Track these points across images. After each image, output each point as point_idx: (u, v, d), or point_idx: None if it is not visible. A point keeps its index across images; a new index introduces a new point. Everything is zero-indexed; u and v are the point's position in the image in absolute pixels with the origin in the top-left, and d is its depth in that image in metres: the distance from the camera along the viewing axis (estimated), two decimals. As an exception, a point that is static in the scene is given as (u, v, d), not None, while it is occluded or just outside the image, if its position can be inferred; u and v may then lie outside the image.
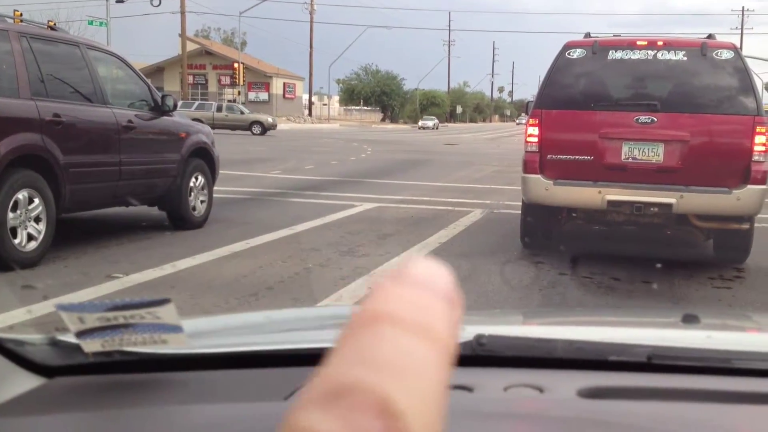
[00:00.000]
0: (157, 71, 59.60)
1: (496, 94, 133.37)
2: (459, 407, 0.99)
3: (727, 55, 6.58)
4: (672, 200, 6.43)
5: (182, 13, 46.49)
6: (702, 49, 6.60)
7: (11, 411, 1.01)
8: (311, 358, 1.19)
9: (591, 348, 1.17)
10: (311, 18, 62.18)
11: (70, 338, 1.09)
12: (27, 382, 1.10)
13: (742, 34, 66.43)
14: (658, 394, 1.04)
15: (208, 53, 63.00)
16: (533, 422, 0.94)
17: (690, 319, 1.43)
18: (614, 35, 7.46)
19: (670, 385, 1.06)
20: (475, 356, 1.14)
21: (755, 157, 6.39)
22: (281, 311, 2.67)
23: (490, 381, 1.07)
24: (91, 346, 1.03)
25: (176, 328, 1.03)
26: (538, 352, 1.16)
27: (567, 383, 1.05)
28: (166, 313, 1.01)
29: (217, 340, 1.39)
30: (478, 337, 1.15)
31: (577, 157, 6.66)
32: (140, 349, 1.05)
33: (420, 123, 66.97)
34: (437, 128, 65.67)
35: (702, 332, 1.40)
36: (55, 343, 1.18)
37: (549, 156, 6.73)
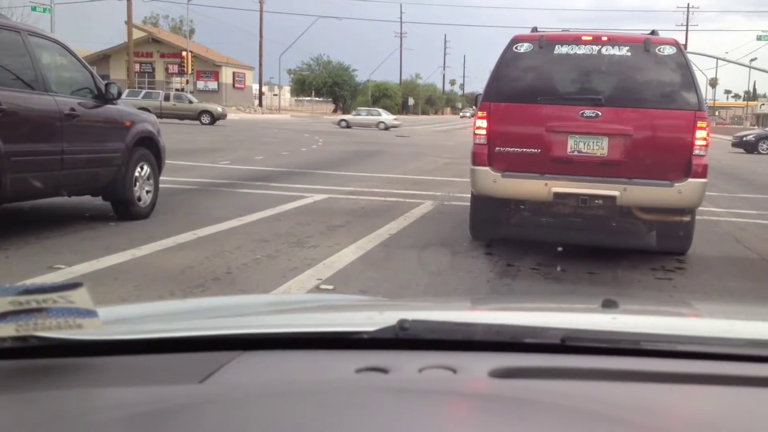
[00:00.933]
0: (102, 59, 58.38)
1: (447, 87, 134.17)
2: (372, 387, 1.01)
3: (669, 51, 6.72)
4: (616, 193, 6.55)
5: (129, -1, 45.59)
6: (645, 45, 6.73)
7: None
8: (230, 343, 1.19)
9: (508, 331, 1.20)
10: (261, 7, 61.58)
11: None
12: None
13: (687, 30, 67.90)
14: (569, 373, 1.07)
15: (156, 41, 61.91)
16: (443, 399, 0.96)
17: (609, 304, 1.48)
18: (563, 30, 7.56)
19: (582, 366, 1.09)
20: (397, 340, 1.16)
21: (696, 151, 6.54)
22: (206, 298, 2.66)
23: (407, 363, 1.09)
24: (5, 330, 1.02)
25: (91, 313, 1.03)
26: (457, 335, 1.19)
27: (481, 364, 1.07)
28: (80, 298, 1.01)
29: (137, 326, 1.38)
30: (401, 322, 1.16)
31: (524, 149, 6.74)
32: (55, 334, 1.04)
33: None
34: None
35: (617, 316, 1.45)
36: None
37: (497, 148, 6.80)
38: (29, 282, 5.21)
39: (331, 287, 5.55)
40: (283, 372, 1.11)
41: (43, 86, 7.01)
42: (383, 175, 14.43)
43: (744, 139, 33.34)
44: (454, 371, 1.05)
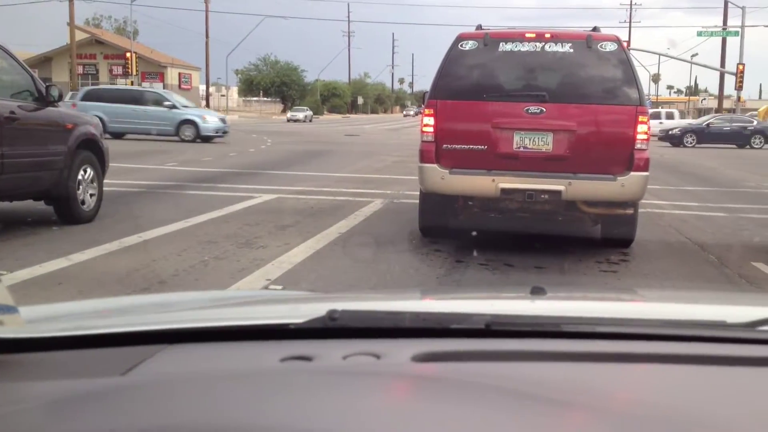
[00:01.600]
0: (44, 61, 57.00)
1: (396, 86, 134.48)
2: (295, 375, 1.02)
3: (611, 47, 6.85)
4: (561, 187, 6.65)
5: (71, 0, 44.62)
6: (587, 42, 6.85)
7: None
8: (154, 337, 1.18)
9: (434, 318, 1.23)
10: (207, 6, 60.83)
11: None
12: None
13: (630, 27, 69.19)
14: (492, 355, 1.10)
15: (99, 42, 60.68)
16: (366, 383, 0.97)
17: (537, 291, 1.52)
18: (508, 28, 7.64)
19: (505, 348, 1.12)
20: (327, 330, 1.17)
21: (638, 146, 6.68)
22: (136, 296, 2.64)
23: (332, 351, 1.10)
24: None
25: (11, 309, 1.01)
26: (385, 323, 1.21)
27: (404, 350, 1.09)
28: None
29: (63, 324, 1.37)
30: (331, 312, 1.18)
31: (471, 146, 6.79)
32: None
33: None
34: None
35: (543, 302, 1.49)
36: None
37: (444, 146, 6.84)
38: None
39: (280, 287, 5.52)
40: (207, 363, 1.12)
41: (-21, 89, 6.82)
42: (332, 174, 14.40)
43: (669, 132, 33.97)
44: (378, 357, 1.07)
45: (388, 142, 28.84)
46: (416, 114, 68.16)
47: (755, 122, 34.79)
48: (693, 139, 32.97)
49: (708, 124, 34.11)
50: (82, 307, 1.74)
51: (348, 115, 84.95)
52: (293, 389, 0.92)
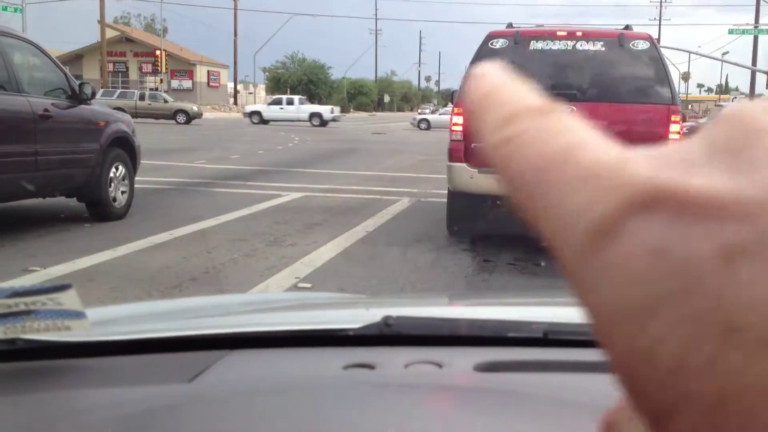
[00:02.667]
0: (75, 59, 57.74)
1: (423, 84, 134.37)
2: (360, 384, 1.03)
3: (643, 45, 6.79)
4: (591, 187, 6.60)
5: (101, -2, 45.14)
6: (619, 40, 6.79)
7: None
8: (218, 342, 1.19)
9: (491, 326, 1.22)
10: (235, 4, 61.24)
11: None
12: None
13: (660, 25, 68.54)
14: (552, 366, 1.09)
15: (129, 40, 61.38)
16: (429, 393, 0.97)
17: None
18: (537, 26, 7.60)
19: (565, 358, 1.11)
20: (382, 336, 1.17)
21: (670, 145, 6.62)
22: (191, 299, 2.64)
23: (393, 359, 1.10)
24: None
25: (79, 315, 1.02)
26: (441, 330, 1.20)
27: (465, 359, 1.09)
28: (69, 299, 1.00)
29: (125, 327, 1.38)
30: (386, 318, 1.17)
31: (500, 145, 6.77)
32: (43, 336, 1.04)
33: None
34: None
35: None
36: None
37: (473, 144, 6.82)
38: (7, 284, 5.16)
39: (309, 285, 5.54)
40: (270, 370, 1.12)
41: (15, 87, 6.93)
42: (359, 173, 14.42)
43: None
44: (440, 366, 1.07)
45: (415, 141, 28.82)
46: (432, 113, 66.14)
47: None
48: None
49: None
50: (140, 309, 1.76)
51: (374, 113, 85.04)
52: (358, 397, 0.92)
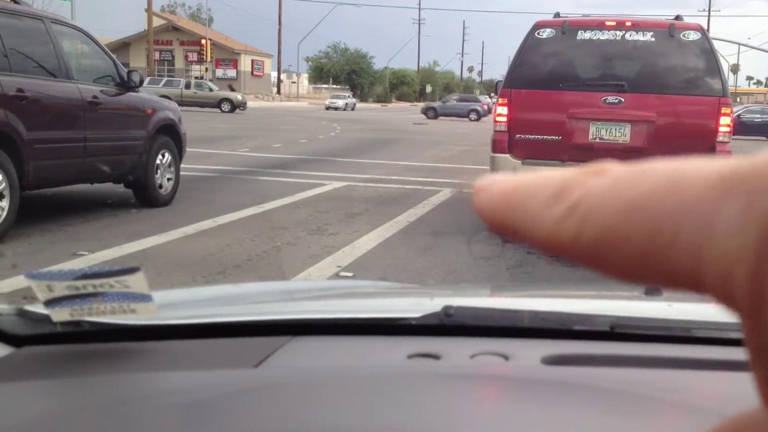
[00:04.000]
0: (122, 47, 58.61)
1: (465, 74, 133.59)
2: (426, 374, 1.01)
3: (694, 36, 6.65)
4: (638, 180, 6.50)
5: (148, -13, 45.65)
6: (669, 30, 6.66)
7: None
8: (281, 328, 1.19)
9: (556, 318, 1.19)
10: (280, -6, 61.49)
11: (39, 308, 1.09)
12: None
13: (709, 16, 67.10)
14: (620, 361, 1.07)
15: (175, 29, 62.10)
16: (498, 385, 0.96)
17: (652, 292, 1.45)
18: (583, 16, 7.50)
19: (632, 353, 1.09)
20: (443, 326, 1.16)
21: (720, 138, 6.48)
22: (251, 284, 2.66)
23: (457, 349, 1.09)
24: (60, 315, 1.03)
25: (146, 297, 1.03)
26: (504, 321, 1.18)
27: (532, 351, 1.07)
28: (136, 282, 1.01)
29: (187, 311, 1.39)
30: (446, 308, 1.16)
31: (545, 136, 6.70)
32: (109, 319, 1.05)
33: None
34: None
35: (663, 303, 1.43)
36: (23, 313, 1.18)
37: (517, 135, 6.77)
38: (56, 268, 5.27)
39: (350, 275, 5.56)
40: (334, 357, 1.12)
41: (65, 74, 7.06)
42: (401, 163, 14.41)
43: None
44: (506, 358, 1.05)
45: (456, 131, 28.69)
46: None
47: None
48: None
49: (739, 115, 32.33)
50: (194, 294, 1.77)
51: (416, 103, 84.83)
52: (424, 388, 0.91)
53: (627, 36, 6.71)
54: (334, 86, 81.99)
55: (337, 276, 5.48)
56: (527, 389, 0.94)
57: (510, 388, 0.95)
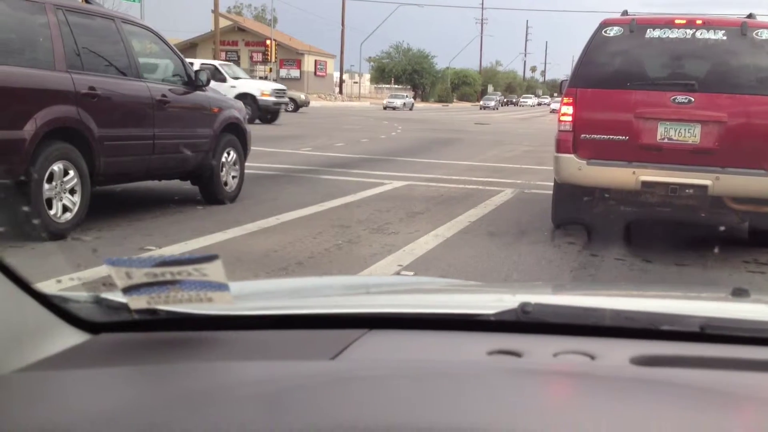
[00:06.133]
0: (190, 47, 59.76)
1: (528, 74, 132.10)
2: (509, 371, 0.99)
3: (767, 35, 6.44)
4: (708, 182, 6.33)
5: (215, -11, 46.46)
6: (742, 29, 6.46)
7: (57, 364, 1.03)
8: (358, 321, 1.18)
9: (642, 317, 1.15)
10: (343, -5, 61.85)
11: (116, 296, 1.10)
12: (73, 337, 1.12)
13: (783, 14, 64.94)
14: (711, 362, 1.03)
15: (241, 30, 63.07)
16: (585, 384, 0.93)
17: (740, 293, 1.41)
18: (651, 14, 7.33)
19: (724, 355, 1.05)
20: (520, 323, 1.13)
21: (794, 139, 6.25)
22: (323, 278, 2.66)
23: (539, 347, 1.06)
24: (137, 302, 1.04)
25: (223, 287, 1.03)
26: (586, 320, 1.15)
27: (619, 351, 1.04)
28: (214, 271, 1.01)
29: (262, 302, 1.40)
30: (524, 305, 1.14)
31: (611, 136, 6.57)
32: (185, 308, 1.05)
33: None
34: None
35: (753, 305, 1.38)
36: (100, 301, 1.20)
37: (583, 135, 6.65)
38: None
39: (411, 273, 5.56)
40: (411, 351, 1.11)
41: (135, 72, 7.24)
42: (462, 163, 14.34)
43: None
44: (592, 357, 1.02)
45: (518, 131, 28.40)
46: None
47: None
48: None
49: None
50: (262, 286, 1.78)
51: (477, 103, 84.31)
52: (506, 385, 0.89)
53: (697, 34, 6.53)
54: (396, 86, 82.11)
55: (398, 275, 5.48)
56: (617, 389, 0.90)
57: (599, 388, 0.91)
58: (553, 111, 28.96)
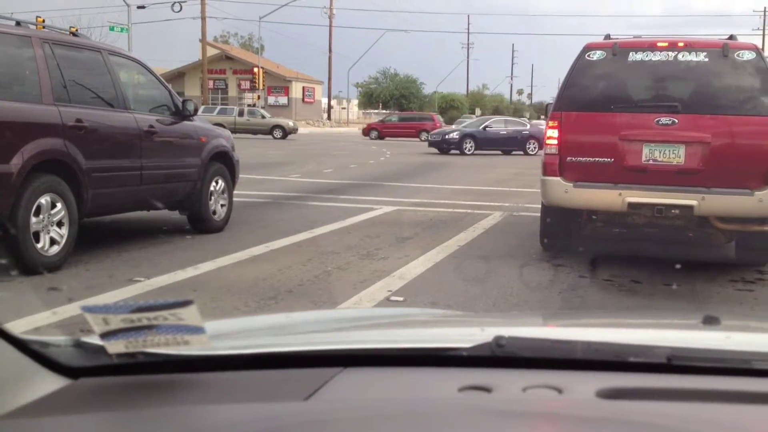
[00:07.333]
0: (177, 76, 59.98)
1: (515, 97, 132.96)
2: (477, 407, 1.00)
3: (748, 55, 6.53)
4: (693, 202, 6.38)
5: (203, 18, 46.79)
6: (723, 50, 6.55)
7: (36, 411, 1.02)
8: (332, 359, 1.19)
9: (610, 349, 1.16)
10: (330, 22, 62.34)
11: (95, 340, 1.11)
12: (52, 383, 1.12)
13: (764, 35, 65.73)
14: (678, 394, 1.03)
15: (228, 58, 63.33)
16: (552, 422, 0.94)
17: (710, 321, 1.40)
18: (634, 37, 7.42)
19: (691, 386, 1.05)
20: (494, 357, 1.14)
21: (777, 158, 6.32)
22: (301, 313, 2.66)
23: (509, 382, 1.07)
24: (115, 347, 1.05)
25: (198, 330, 1.04)
26: (556, 353, 1.16)
27: (586, 384, 1.04)
28: (189, 315, 1.02)
29: (238, 342, 1.40)
30: (497, 339, 1.14)
31: (596, 159, 6.63)
32: (163, 350, 1.06)
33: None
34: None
35: (722, 333, 1.38)
36: (79, 345, 1.20)
37: (568, 158, 6.71)
38: (106, 295, 5.38)
39: (401, 299, 5.56)
40: (385, 389, 1.11)
41: (122, 104, 7.25)
42: (451, 187, 14.40)
43: (446, 137, 29.52)
44: (559, 391, 1.03)
45: (506, 154, 28.53)
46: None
47: (528, 126, 30.77)
48: (471, 146, 28.60)
49: (485, 128, 29.72)
50: (244, 324, 1.78)
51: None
52: (476, 423, 0.90)
53: (679, 56, 6.61)
54: (384, 111, 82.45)
55: (387, 301, 5.49)
56: (582, 426, 0.91)
57: (564, 426, 0.92)
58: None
